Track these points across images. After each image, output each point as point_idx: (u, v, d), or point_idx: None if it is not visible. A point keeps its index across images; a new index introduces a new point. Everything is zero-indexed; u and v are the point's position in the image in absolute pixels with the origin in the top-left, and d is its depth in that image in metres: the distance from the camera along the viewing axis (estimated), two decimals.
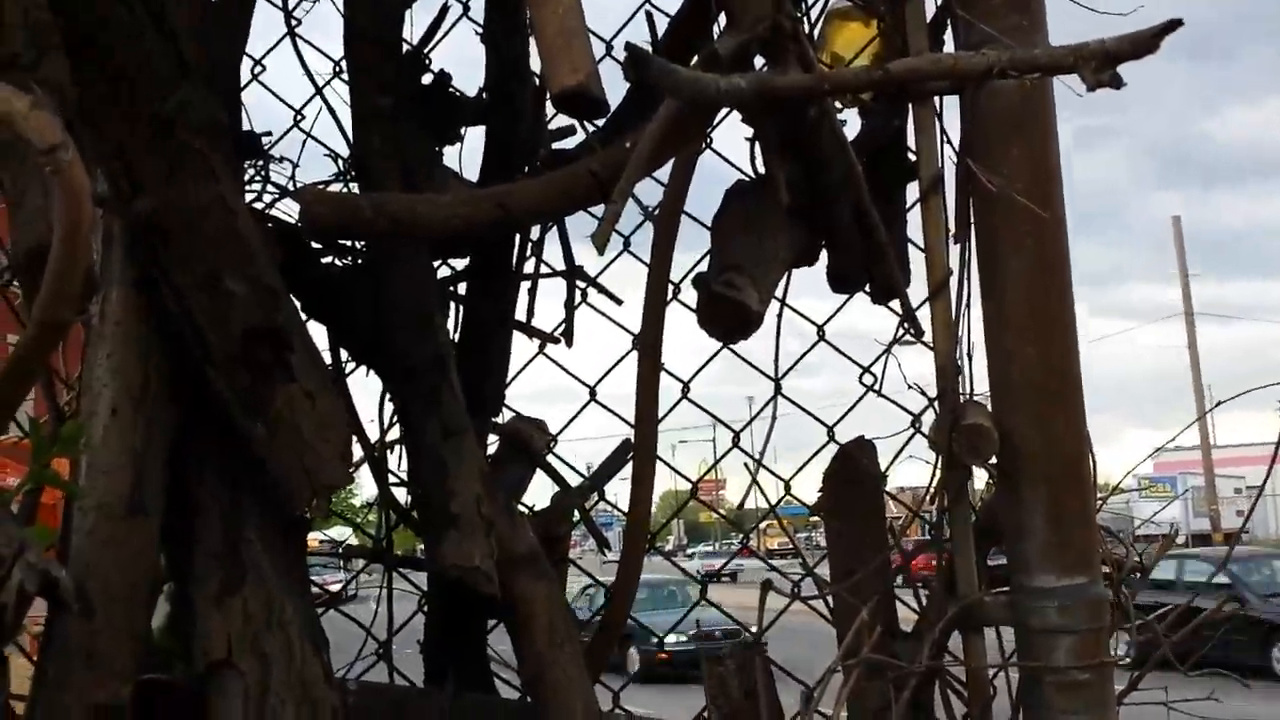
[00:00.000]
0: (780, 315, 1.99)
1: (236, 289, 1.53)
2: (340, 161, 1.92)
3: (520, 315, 2.04)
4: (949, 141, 1.83)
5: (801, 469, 2.09)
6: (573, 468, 1.95)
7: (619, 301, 2.01)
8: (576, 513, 1.93)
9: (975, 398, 1.84)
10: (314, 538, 2.08)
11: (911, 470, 2.02)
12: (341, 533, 2.22)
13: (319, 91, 1.98)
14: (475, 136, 2.03)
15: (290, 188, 1.94)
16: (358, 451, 1.91)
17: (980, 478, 1.91)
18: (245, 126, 1.90)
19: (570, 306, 1.98)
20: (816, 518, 2.34)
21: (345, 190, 1.83)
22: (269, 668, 1.50)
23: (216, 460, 1.60)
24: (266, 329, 1.53)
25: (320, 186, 1.86)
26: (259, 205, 1.96)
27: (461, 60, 2.01)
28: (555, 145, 2.06)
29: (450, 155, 1.95)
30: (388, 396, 1.81)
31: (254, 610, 1.53)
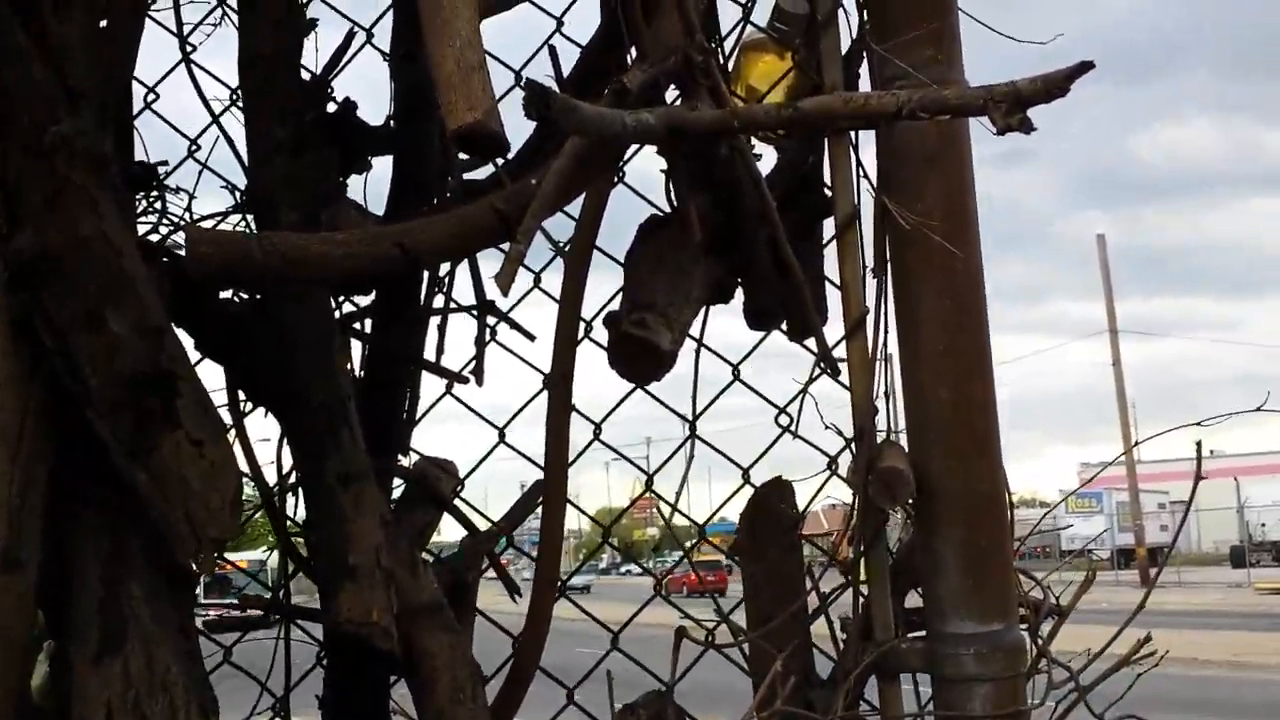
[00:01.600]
0: (698, 354, 1.95)
1: (120, 330, 1.45)
2: (237, 194, 1.84)
3: (429, 352, 1.97)
4: (866, 176, 1.80)
5: (715, 513, 2.05)
6: (482, 513, 1.88)
7: (532, 338, 1.95)
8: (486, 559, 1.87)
9: (895, 434, 1.81)
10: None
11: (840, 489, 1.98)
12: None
13: (215, 120, 1.90)
14: (383, 166, 1.97)
15: (186, 220, 1.86)
16: (255, 496, 1.83)
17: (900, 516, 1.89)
18: (139, 157, 1.82)
19: (481, 343, 1.92)
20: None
21: (242, 225, 1.76)
22: None
23: (98, 508, 1.51)
24: (151, 373, 1.46)
25: (212, 221, 1.79)
26: (154, 238, 1.88)
27: (367, 88, 1.95)
28: (466, 175, 2.00)
29: (355, 186, 1.89)
30: (286, 439, 1.73)
31: (135, 671, 1.45)
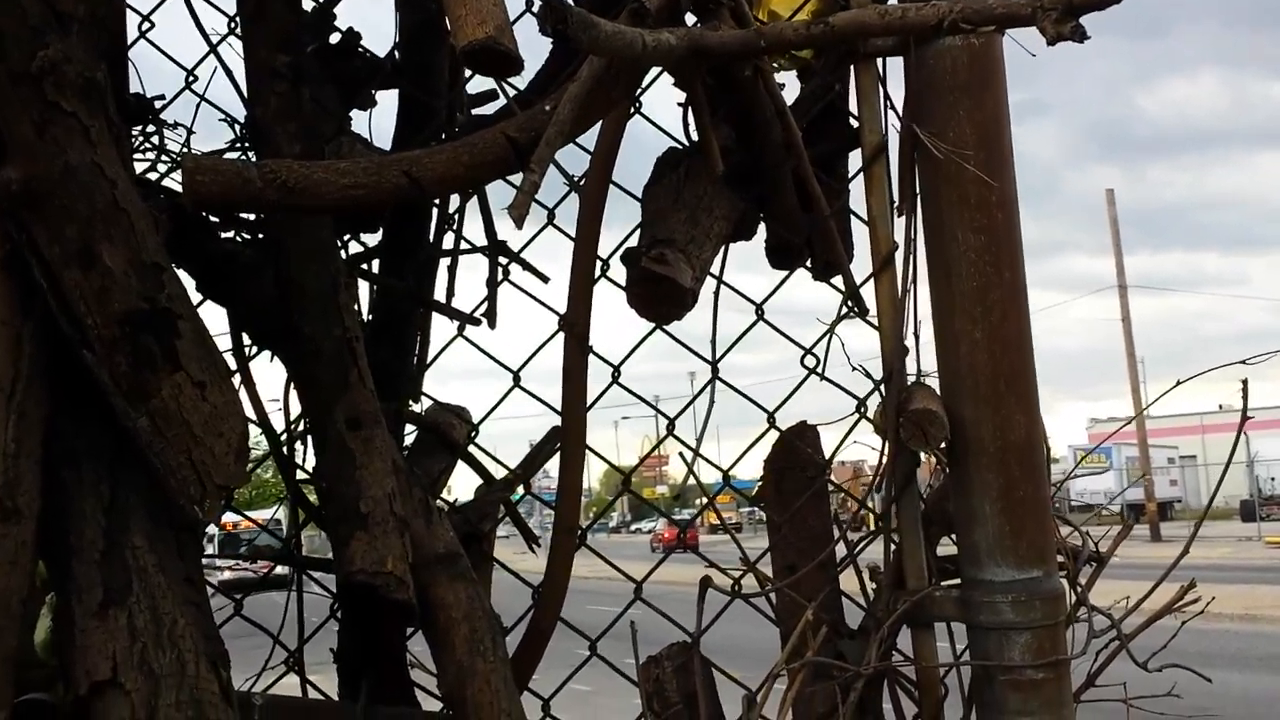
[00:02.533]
0: (717, 293, 1.88)
1: (115, 266, 1.38)
2: (237, 127, 1.76)
3: (439, 294, 1.90)
4: (893, 107, 1.72)
5: (740, 459, 1.97)
6: (498, 460, 1.81)
7: (545, 279, 1.88)
8: (503, 507, 1.80)
9: (923, 378, 1.74)
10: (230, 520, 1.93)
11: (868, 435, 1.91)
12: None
13: (213, 50, 1.82)
14: (388, 101, 1.89)
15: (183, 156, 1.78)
16: (263, 443, 1.76)
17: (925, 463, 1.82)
18: (134, 89, 1.74)
19: (492, 285, 1.84)
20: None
21: (241, 158, 1.68)
22: (158, 688, 1.36)
23: (98, 457, 1.45)
24: (149, 311, 1.39)
25: (211, 154, 1.71)
26: (153, 175, 1.80)
27: (372, 18, 1.86)
28: (475, 111, 1.92)
29: (360, 123, 1.81)
30: (292, 383, 1.66)
31: (141, 624, 1.39)
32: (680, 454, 1.96)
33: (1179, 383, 1.80)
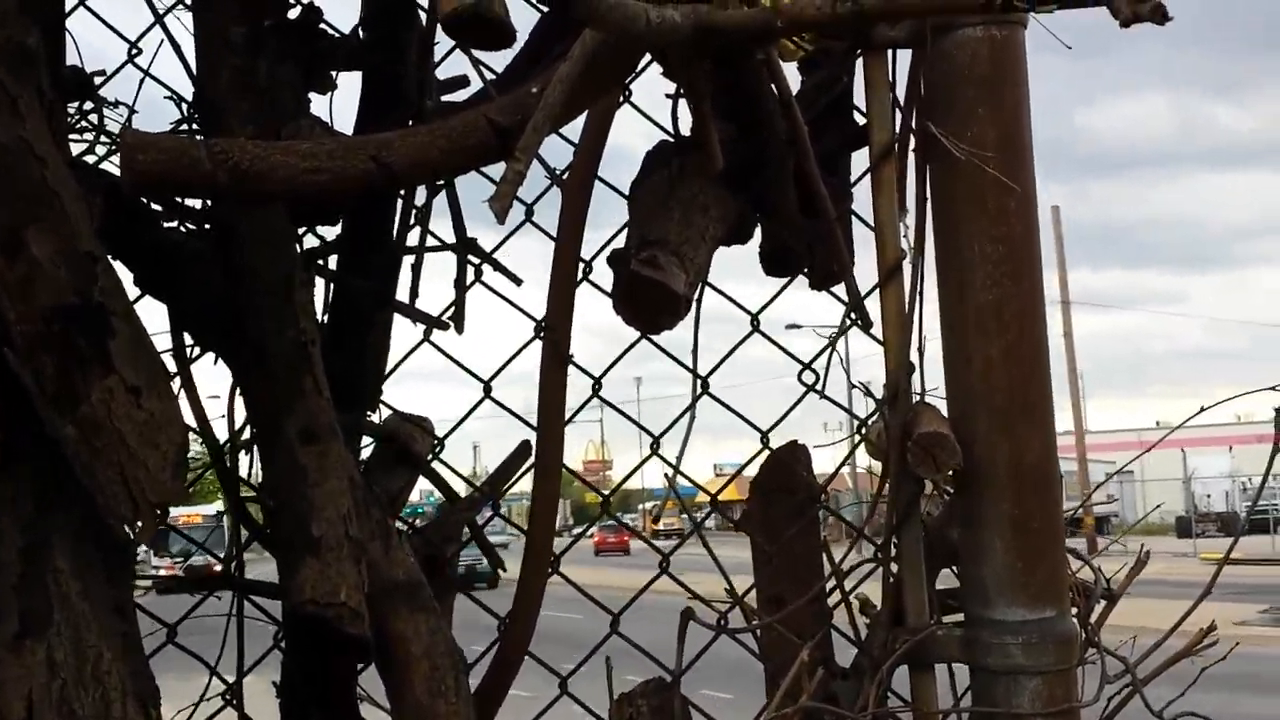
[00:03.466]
0: (699, 300, 1.74)
1: (41, 254, 1.22)
2: (184, 106, 1.60)
3: (404, 295, 1.74)
4: (904, 103, 1.59)
5: (725, 486, 1.84)
6: (462, 476, 1.66)
7: (518, 281, 1.73)
8: (467, 529, 1.65)
9: (927, 398, 1.61)
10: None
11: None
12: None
13: (159, 20, 1.65)
14: (350, 87, 1.73)
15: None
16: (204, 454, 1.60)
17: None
18: (72, 62, 1.58)
19: (461, 286, 1.69)
20: (704, 497, 2.10)
21: (186, 136, 1.52)
22: None
23: (19, 469, 1.29)
24: (80, 306, 1.23)
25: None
26: (91, 158, 1.64)
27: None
28: (445, 97, 1.77)
29: (320, 107, 1.65)
30: (239, 390, 1.50)
31: (61, 658, 1.23)
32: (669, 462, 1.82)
33: (1202, 408, 1.68)
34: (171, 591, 1.65)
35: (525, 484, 1.65)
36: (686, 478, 1.75)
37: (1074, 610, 1.55)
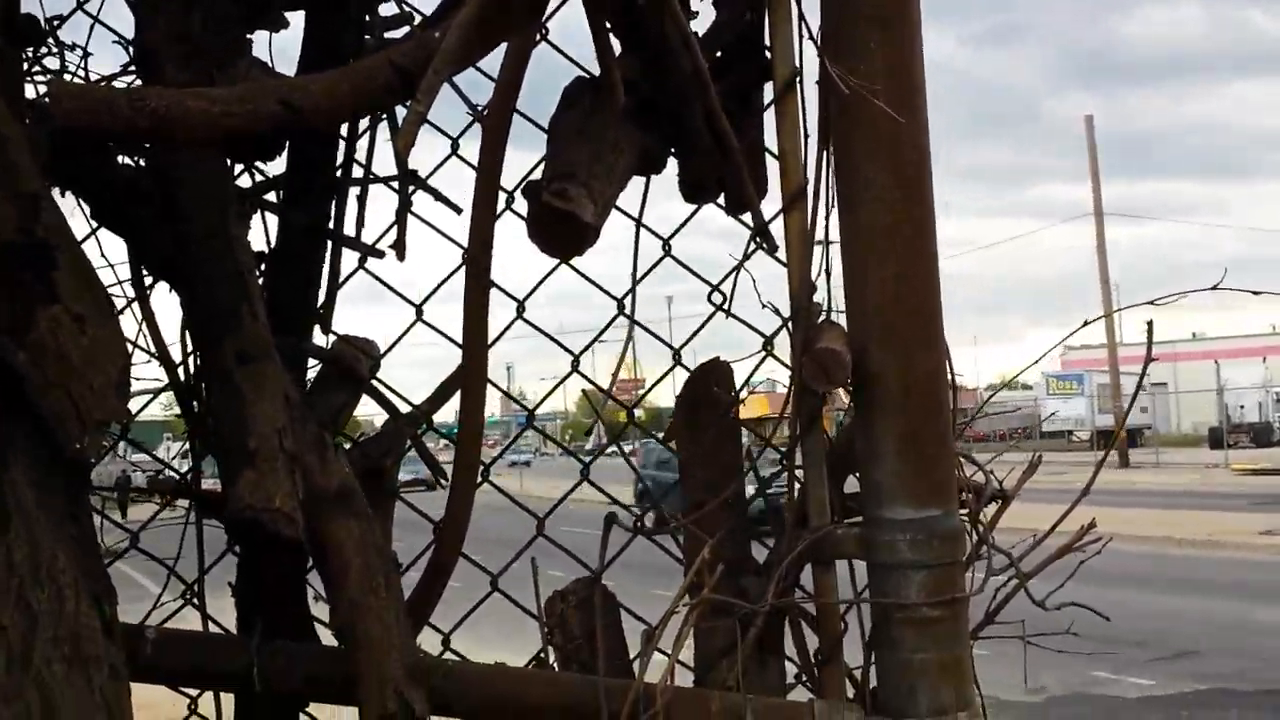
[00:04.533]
0: (638, 230, 1.85)
1: None
2: (131, 50, 1.71)
3: (350, 224, 1.86)
4: (811, 36, 1.68)
5: (644, 395, 1.95)
6: (402, 396, 1.79)
7: (458, 210, 1.84)
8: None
9: (833, 317, 1.72)
10: None
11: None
12: None
13: None
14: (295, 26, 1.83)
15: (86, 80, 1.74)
16: (156, 376, 1.74)
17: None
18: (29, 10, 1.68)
19: (401, 214, 1.80)
20: None
21: (114, 85, 1.63)
22: (35, 624, 1.34)
23: None
24: (24, 242, 1.35)
25: (98, 80, 1.66)
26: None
27: None
28: (388, 34, 1.87)
29: (261, 47, 1.75)
30: (184, 315, 1.63)
31: (19, 558, 1.36)
32: (596, 384, 1.94)
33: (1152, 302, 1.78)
34: (134, 502, 1.80)
35: (553, 405, 1.76)
36: (614, 399, 1.87)
37: (964, 511, 1.68)
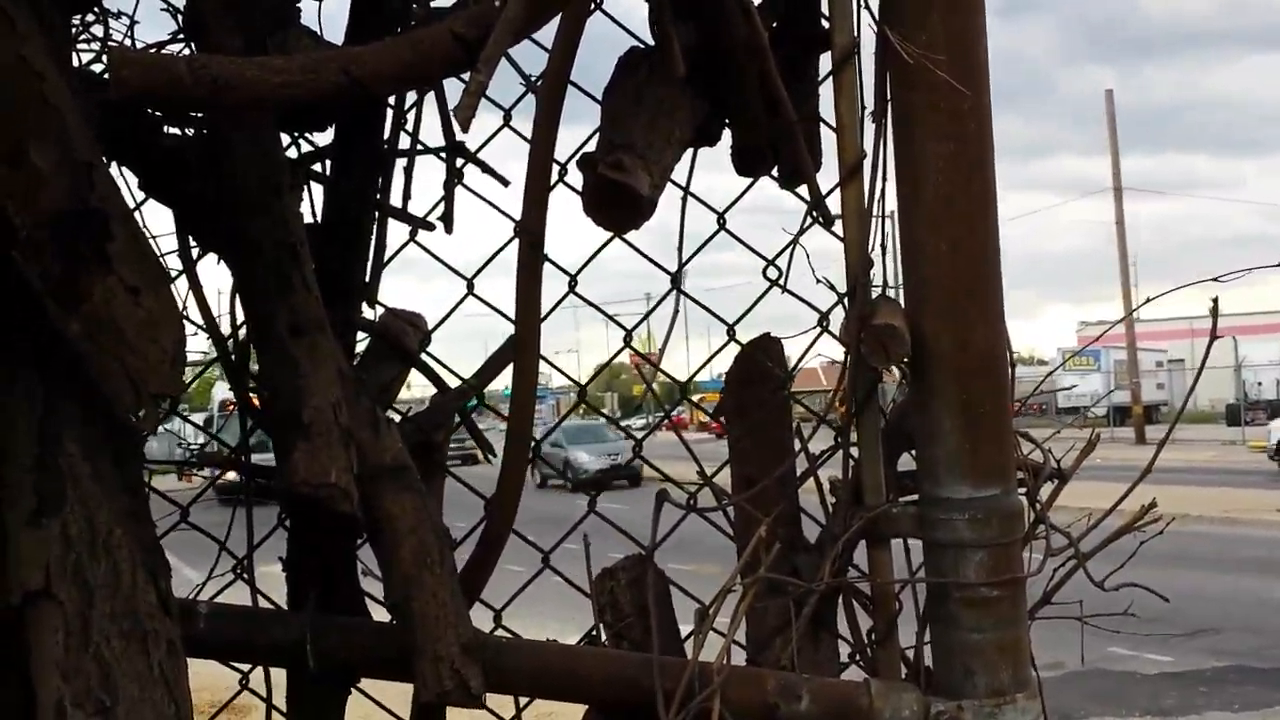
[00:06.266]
0: (684, 202, 1.83)
1: (43, 164, 1.32)
2: (180, 18, 1.69)
3: (397, 195, 1.84)
4: (867, 7, 1.65)
5: (700, 369, 1.94)
6: (451, 370, 1.77)
7: (506, 182, 1.82)
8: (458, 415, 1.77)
9: (889, 292, 1.70)
10: None
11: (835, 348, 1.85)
12: None
13: None
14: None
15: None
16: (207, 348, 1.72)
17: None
18: None
19: (449, 187, 1.78)
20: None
21: (182, 51, 1.60)
22: (92, 598, 1.33)
23: (31, 363, 1.40)
24: (81, 212, 1.33)
25: (146, 47, 1.64)
26: (99, 67, 1.73)
27: None
28: (435, 3, 1.84)
29: (310, 14, 1.73)
30: (236, 287, 1.61)
31: (75, 533, 1.36)
32: (648, 359, 1.92)
33: (1151, 298, 1.75)
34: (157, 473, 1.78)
35: (563, 380, 1.75)
36: (665, 373, 1.85)
37: (1023, 490, 1.65)
